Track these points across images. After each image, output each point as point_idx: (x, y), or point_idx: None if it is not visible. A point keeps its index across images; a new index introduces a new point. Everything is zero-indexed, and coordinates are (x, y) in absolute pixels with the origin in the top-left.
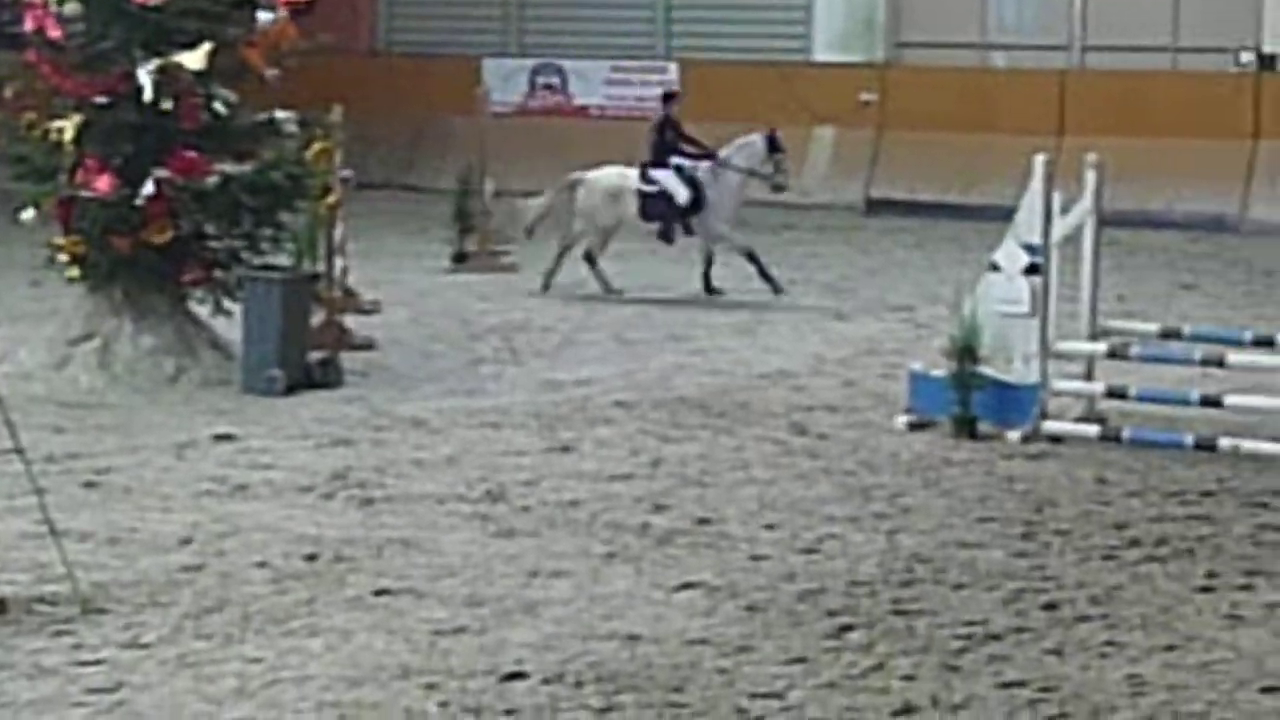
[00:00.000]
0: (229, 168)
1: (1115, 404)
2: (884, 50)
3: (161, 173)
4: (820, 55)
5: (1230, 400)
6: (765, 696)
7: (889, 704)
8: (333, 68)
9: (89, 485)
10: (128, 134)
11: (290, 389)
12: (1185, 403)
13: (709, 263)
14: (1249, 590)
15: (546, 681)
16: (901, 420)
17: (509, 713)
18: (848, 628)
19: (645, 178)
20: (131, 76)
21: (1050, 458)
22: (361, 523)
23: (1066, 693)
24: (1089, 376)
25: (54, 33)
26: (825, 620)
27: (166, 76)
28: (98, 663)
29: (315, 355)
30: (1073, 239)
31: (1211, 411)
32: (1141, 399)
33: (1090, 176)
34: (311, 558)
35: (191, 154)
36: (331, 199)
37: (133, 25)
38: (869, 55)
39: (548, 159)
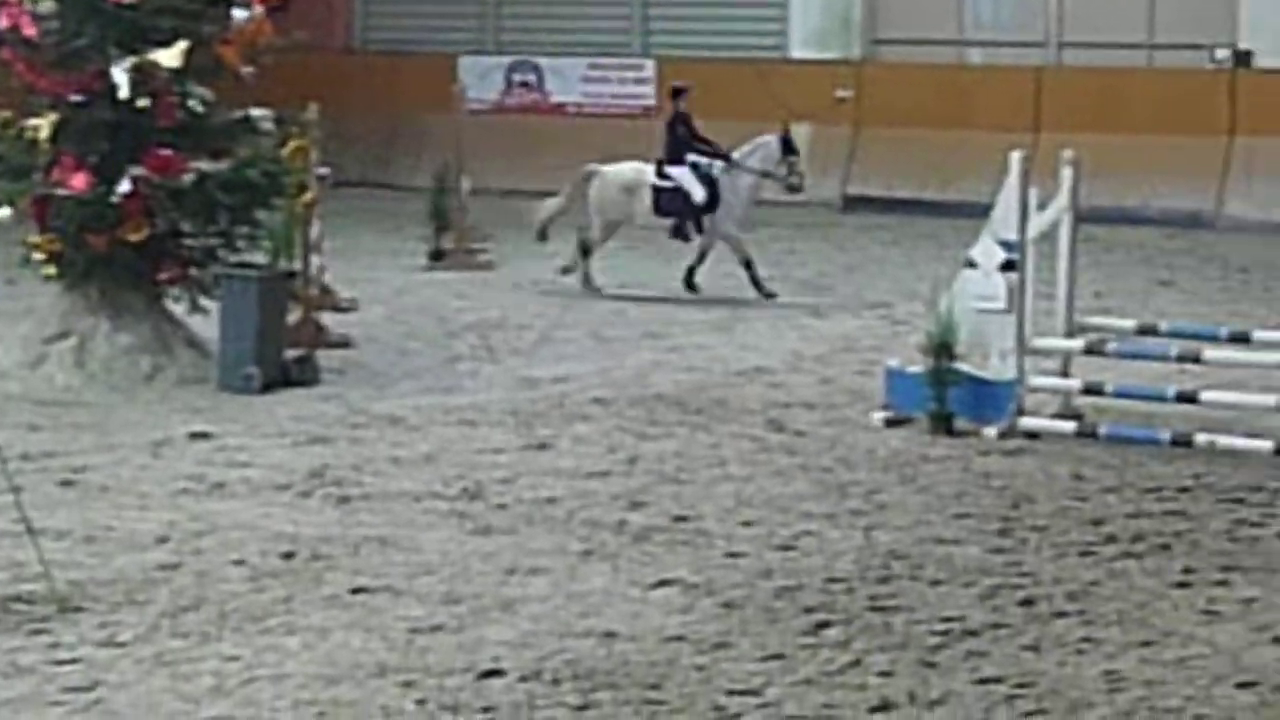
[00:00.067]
0: (205, 165)
1: (1092, 400)
2: (860, 47)
3: (137, 171)
4: (797, 52)
5: (1206, 396)
6: (742, 693)
7: (866, 700)
8: (308, 65)
9: (65, 484)
10: (103, 132)
11: (267, 387)
12: (1161, 399)
13: (701, 260)
14: (1225, 586)
15: (524, 679)
16: (878, 417)
17: (486, 710)
18: (825, 624)
19: (661, 174)
20: (107, 74)
21: (1027, 454)
22: (339, 521)
23: (1043, 688)
24: (1065, 373)
25: (29, 31)
26: (802, 617)
27: (142, 74)
28: (74, 661)
29: (292, 353)
30: (1049, 235)
31: (1188, 407)
32: (1118, 395)
33: (1067, 173)
34: (288, 556)
35: (167, 152)
36: (308, 197)
37: (108, 23)
38: (845, 52)
39: (524, 157)
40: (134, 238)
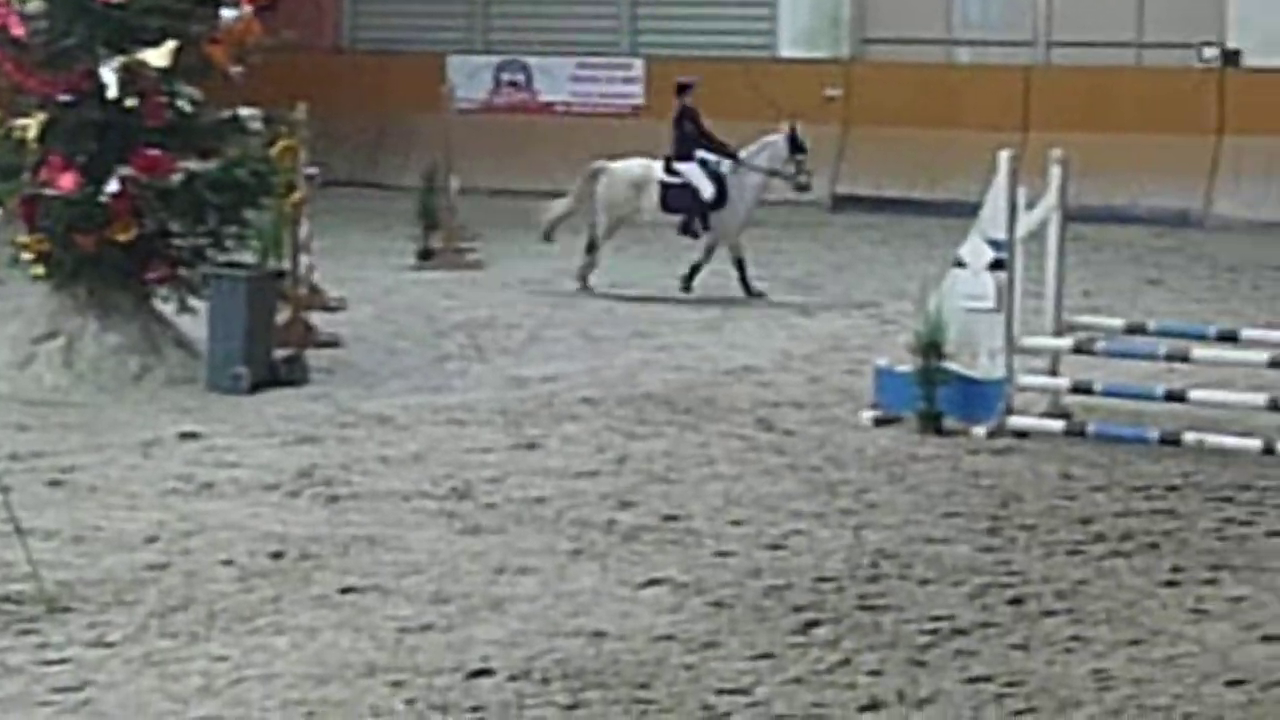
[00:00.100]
0: (193, 165)
1: (1080, 399)
2: (849, 46)
3: (126, 170)
4: (786, 51)
5: (1195, 395)
6: (731, 692)
7: (855, 699)
8: (297, 65)
9: (54, 484)
10: (92, 132)
11: (255, 387)
12: (1150, 398)
13: (707, 259)
14: (1214, 584)
15: (513, 678)
16: (867, 416)
17: (475, 709)
18: (814, 623)
19: (669, 170)
20: (95, 74)
21: (1015, 453)
22: (327, 520)
23: (1032, 687)
24: (1054, 371)
25: (17, 30)
26: (791, 616)
27: (130, 74)
28: (63, 661)
29: (280, 353)
30: (1038, 234)
31: (1176, 406)
32: (1107, 394)
33: (1055, 172)
34: (277, 555)
35: (156, 152)
36: (296, 196)
37: (96, 23)
38: (834, 51)
39: (513, 156)
40: (122, 237)
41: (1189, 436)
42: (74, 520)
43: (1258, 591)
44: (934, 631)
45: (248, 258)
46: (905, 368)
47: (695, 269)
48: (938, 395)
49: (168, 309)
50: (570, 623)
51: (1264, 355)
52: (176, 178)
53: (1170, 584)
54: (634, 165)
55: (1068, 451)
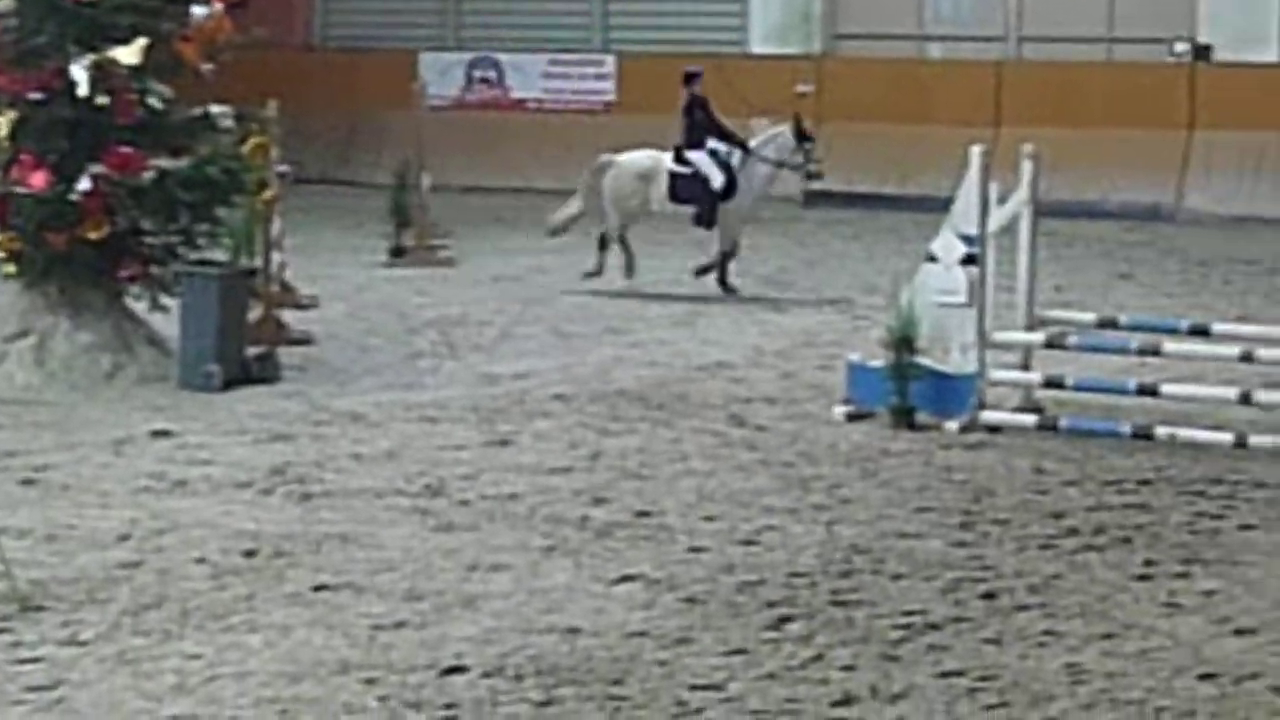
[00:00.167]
0: (165, 163)
1: (1053, 393)
2: (821, 42)
3: (97, 168)
4: (757, 47)
5: (1167, 389)
6: (705, 688)
7: (828, 695)
8: (268, 62)
9: (26, 482)
10: (62, 130)
11: (228, 384)
12: (1122, 392)
13: (733, 251)
14: (1186, 578)
15: (486, 675)
16: (840, 411)
17: (449, 707)
18: (787, 619)
19: (679, 159)
20: (66, 72)
21: (988, 447)
22: (300, 518)
23: (1005, 681)
24: (1026, 366)
25: None
26: (765, 612)
27: (101, 72)
28: (36, 660)
29: (253, 350)
30: (1010, 229)
31: (1148, 400)
32: (1079, 388)
33: (1027, 167)
34: (250, 553)
35: (127, 150)
36: (268, 194)
37: (66, 21)
38: (806, 47)
39: (485, 153)
40: (94, 236)
41: (1161, 431)
42: (46, 519)
43: (1230, 585)
44: (907, 626)
45: (219, 255)
46: (877, 363)
47: (723, 270)
48: (910, 390)
49: (140, 307)
50: (543, 619)
51: (1235, 349)
52: (148, 175)
53: (1143, 578)
54: (641, 157)
55: (1040, 446)
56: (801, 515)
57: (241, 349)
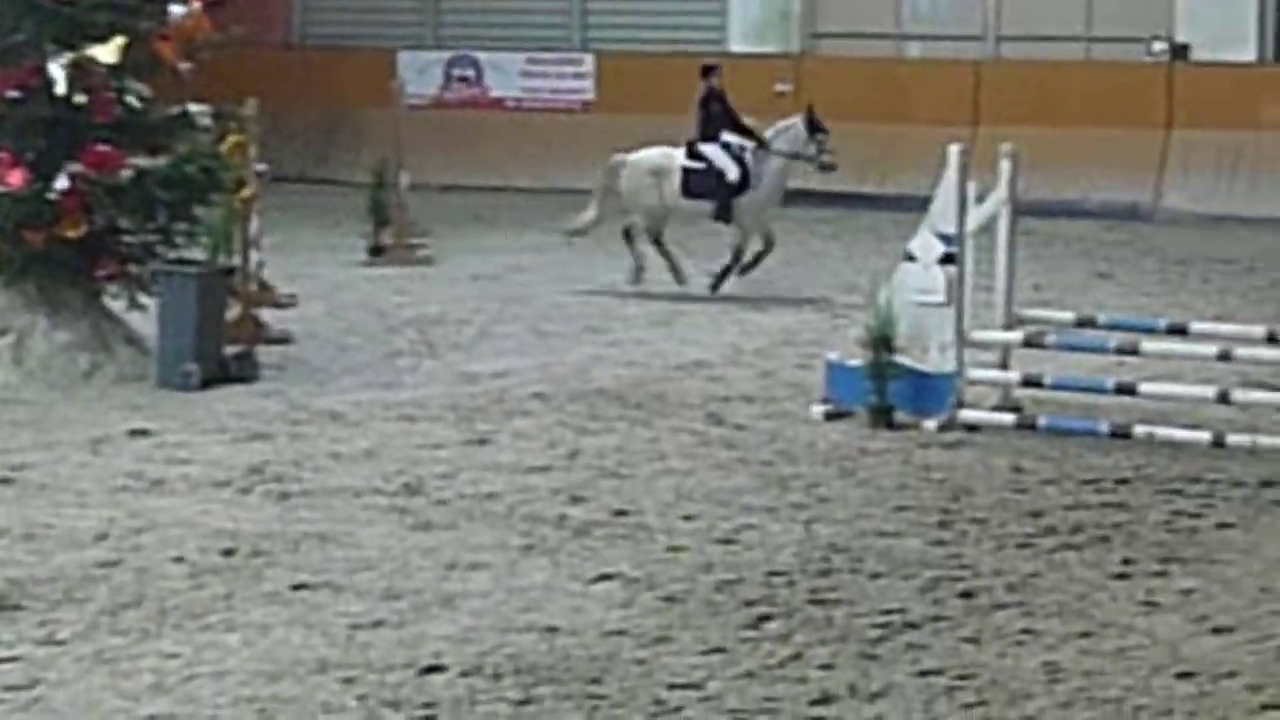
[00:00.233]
0: (143, 162)
1: (1031, 392)
2: (799, 41)
3: (75, 167)
4: (736, 46)
5: (1145, 388)
6: (683, 687)
7: (807, 693)
8: (246, 61)
9: (3, 481)
10: (40, 128)
11: (206, 383)
12: (1100, 391)
13: (768, 249)
14: (1164, 577)
15: (465, 674)
16: (818, 410)
17: (427, 706)
18: (766, 618)
19: (692, 154)
20: (44, 70)
21: (966, 446)
22: (279, 517)
23: (984, 680)
24: (1005, 365)
25: None
26: (743, 610)
27: (79, 70)
28: (13, 660)
29: (231, 349)
30: (988, 228)
31: (1126, 399)
32: (1057, 387)
33: (1005, 166)
34: (228, 552)
35: (105, 148)
36: (246, 193)
37: (44, 19)
38: (784, 46)
39: (463, 151)
40: (72, 234)
41: (1139, 429)
42: (24, 518)
43: (1207, 584)
44: (885, 625)
45: (198, 254)
46: (856, 362)
47: (754, 262)
48: (888, 389)
49: (118, 306)
50: (522, 618)
51: (1213, 348)
52: (126, 174)
53: (1121, 576)
54: (653, 154)
55: (1018, 445)
56: (780, 514)
57: (220, 348)
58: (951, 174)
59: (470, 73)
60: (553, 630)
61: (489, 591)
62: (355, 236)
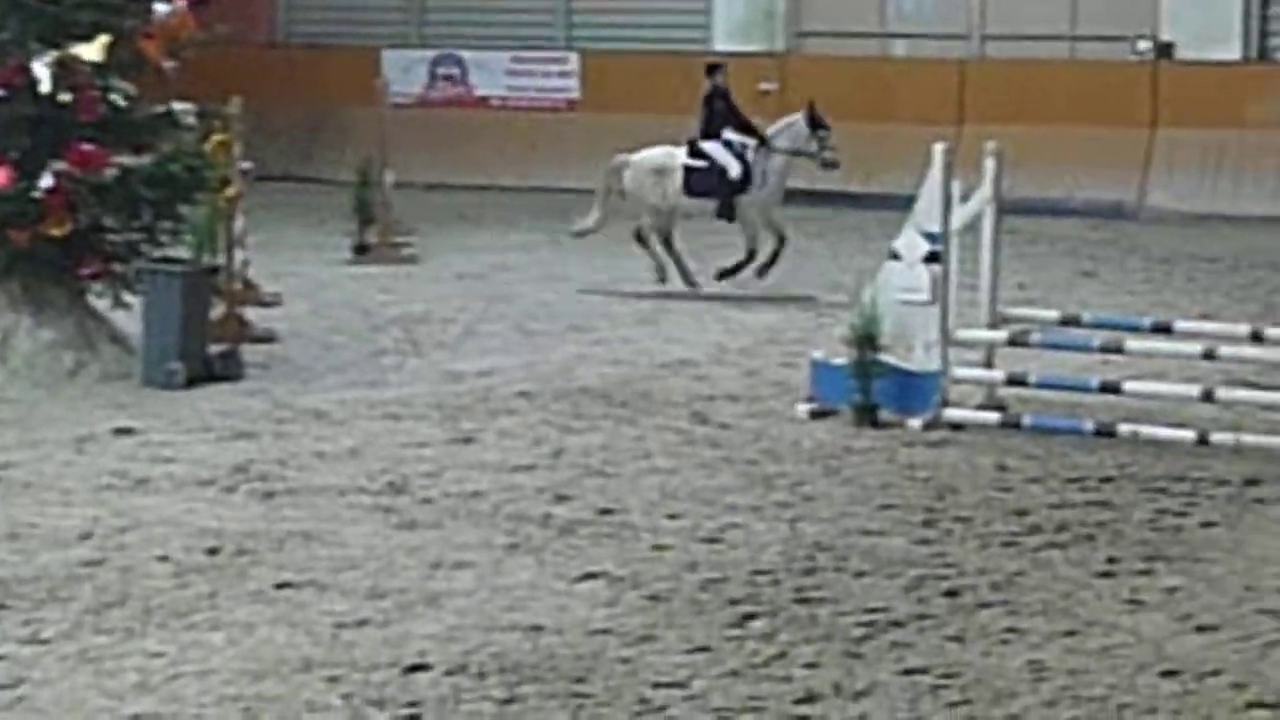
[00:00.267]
0: (127, 160)
1: (1015, 391)
2: (784, 40)
3: (59, 165)
4: (720, 45)
5: (1129, 386)
6: (668, 686)
7: (792, 692)
8: (231, 59)
9: None
10: (25, 127)
11: (190, 382)
12: (1085, 389)
13: (782, 246)
14: (1149, 575)
15: (449, 673)
16: (803, 409)
17: (411, 704)
18: (750, 616)
19: (693, 152)
20: (28, 69)
21: (951, 445)
22: (263, 515)
23: (968, 679)
24: (989, 364)
25: None
26: (728, 609)
27: (64, 69)
28: None
29: (216, 348)
30: (973, 227)
31: (1111, 398)
32: (1041, 386)
33: (990, 165)
34: (213, 551)
35: (89, 147)
36: (231, 191)
37: (29, 17)
38: (769, 45)
39: (448, 150)
40: (56, 233)
41: (1123, 428)
42: (8, 517)
43: (1192, 582)
44: (870, 624)
45: (182, 253)
46: (840, 360)
47: (767, 266)
48: (873, 388)
49: (102, 304)
50: (506, 617)
51: (1197, 347)
52: (110, 173)
53: (1105, 575)
54: (655, 153)
55: (1003, 443)
56: (764, 513)
57: (204, 346)
58: (936, 172)
59: (455, 71)
60: (537, 629)
61: (473, 590)
62: (340, 235)
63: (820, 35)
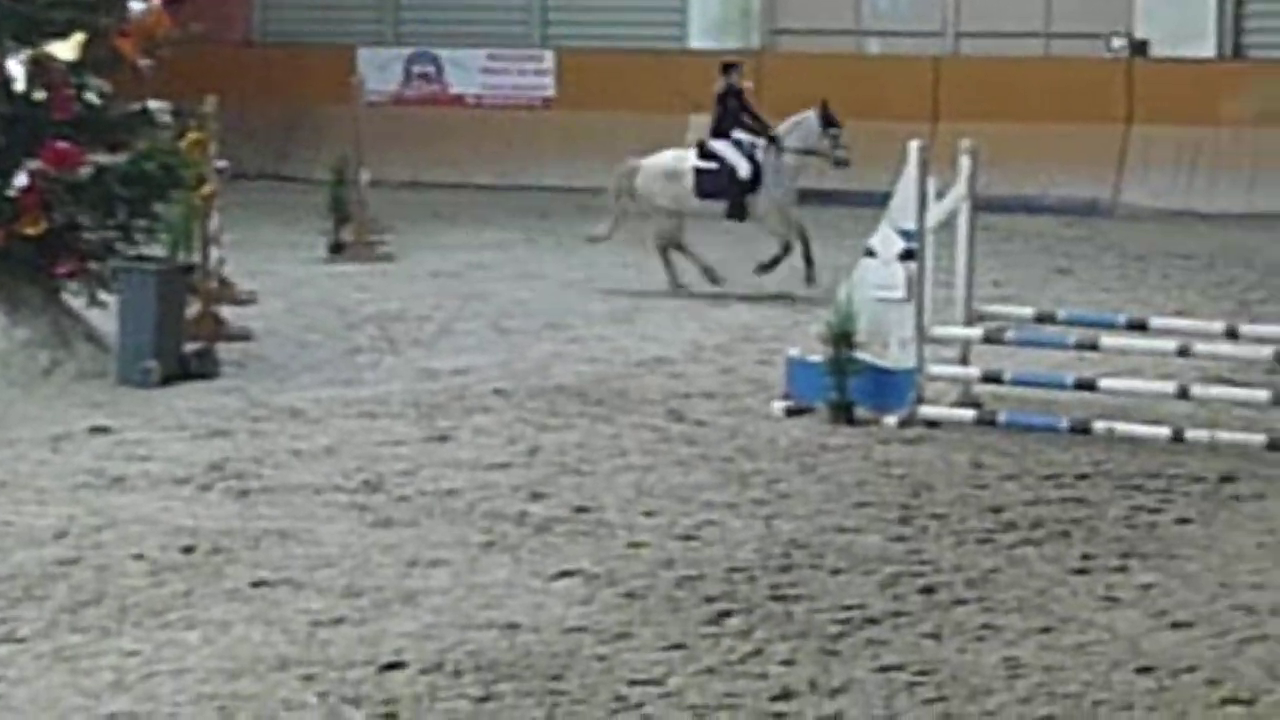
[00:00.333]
0: (102, 159)
1: (991, 388)
2: (759, 37)
3: (34, 164)
4: (696, 43)
5: (1104, 383)
6: (644, 683)
7: (768, 689)
8: (206, 57)
9: None
10: None
11: (166, 380)
12: (1060, 386)
13: (807, 249)
14: (1124, 572)
15: (425, 671)
16: (779, 406)
17: (388, 703)
18: (726, 614)
19: (703, 153)
20: (2, 67)
21: (927, 442)
22: (239, 514)
23: (944, 675)
24: (965, 361)
25: None
26: (704, 606)
27: (38, 67)
28: None
29: (191, 346)
30: (948, 224)
31: (1086, 395)
32: (1017, 383)
33: (965, 162)
34: (188, 549)
35: (64, 145)
36: (206, 189)
37: (3, 16)
38: (744, 42)
39: (424, 148)
40: (31, 231)
41: (1099, 425)
42: None
43: (1167, 579)
44: (846, 621)
45: (157, 251)
46: (816, 358)
47: (773, 263)
48: (849, 385)
49: (77, 303)
50: (482, 615)
51: (1172, 343)
52: (85, 171)
53: (1080, 572)
54: (665, 157)
55: (978, 440)
56: (740, 510)
57: (180, 345)
58: (911, 170)
59: (430, 69)
60: (513, 627)
61: (449, 588)
62: (315, 233)
63: (795, 33)
